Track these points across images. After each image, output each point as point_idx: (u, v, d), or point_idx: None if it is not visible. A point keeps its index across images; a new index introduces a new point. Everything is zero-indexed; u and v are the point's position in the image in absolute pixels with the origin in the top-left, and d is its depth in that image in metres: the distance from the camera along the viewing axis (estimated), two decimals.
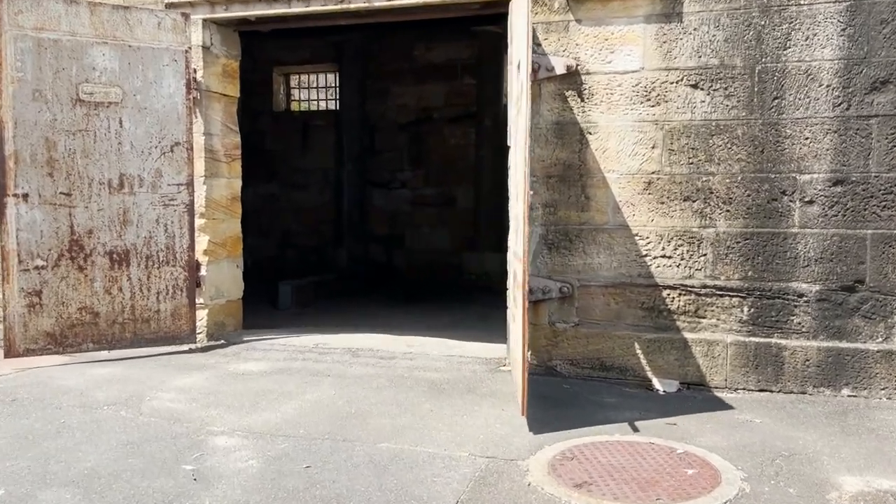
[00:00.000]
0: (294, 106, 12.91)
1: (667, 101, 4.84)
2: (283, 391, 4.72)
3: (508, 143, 5.13)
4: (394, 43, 11.75)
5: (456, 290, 10.11)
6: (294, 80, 12.93)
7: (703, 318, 4.85)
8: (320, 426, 4.03)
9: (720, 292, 4.81)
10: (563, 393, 4.69)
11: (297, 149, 12.29)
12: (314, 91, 12.89)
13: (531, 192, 4.36)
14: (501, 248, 11.22)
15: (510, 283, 4.91)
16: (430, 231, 11.92)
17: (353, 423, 4.09)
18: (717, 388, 4.82)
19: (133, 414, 4.25)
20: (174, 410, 4.32)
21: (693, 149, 4.80)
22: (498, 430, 3.96)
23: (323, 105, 12.73)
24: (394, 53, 11.85)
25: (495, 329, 6.91)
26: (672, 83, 4.82)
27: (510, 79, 5.20)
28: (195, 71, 5.78)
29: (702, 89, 4.78)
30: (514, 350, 4.56)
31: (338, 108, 12.20)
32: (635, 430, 4.00)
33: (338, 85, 12.26)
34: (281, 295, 8.40)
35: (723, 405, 4.49)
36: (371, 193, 12.21)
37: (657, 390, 4.81)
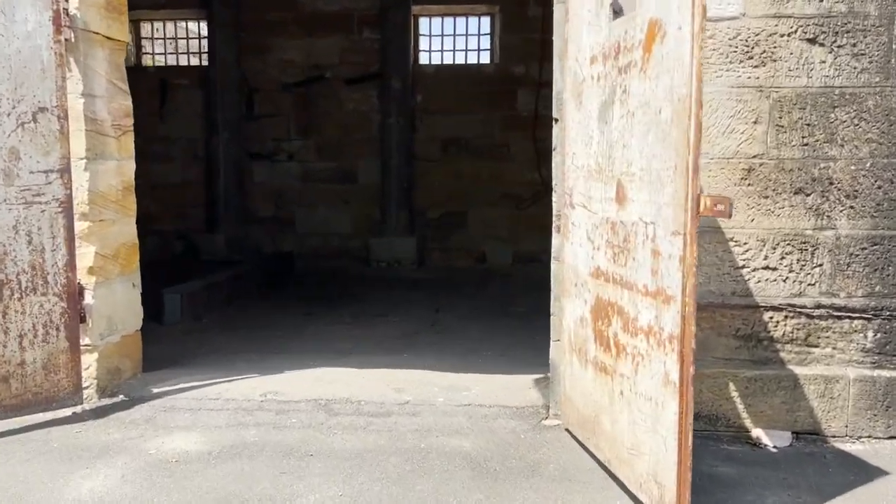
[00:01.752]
0: (147, 60, 10.55)
1: (775, 61, 3.59)
2: (260, 495, 3.06)
3: (555, 115, 3.68)
4: None
5: (370, 283, 8.53)
6: (146, 29, 10.55)
7: (816, 346, 3.72)
8: None
9: (839, 313, 3.70)
10: None
11: (153, 113, 10.00)
12: (174, 43, 10.59)
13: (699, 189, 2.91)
14: (413, 231, 9.76)
15: (614, 333, 3.32)
16: (327, 212, 10.19)
17: None
18: (835, 436, 3.72)
19: None
20: None
21: (808, 125, 3.61)
22: None
23: (186, 60, 10.48)
24: None
25: (468, 344, 5.53)
26: (783, 36, 3.58)
27: (572, 26, 3.73)
28: None
29: (822, 45, 3.58)
30: (664, 481, 3.06)
31: (206, 63, 10.04)
32: None
33: (206, 36, 10.08)
34: (167, 306, 6.45)
35: (873, 470, 3.39)
36: (251, 167, 10.25)
37: (765, 446, 3.64)
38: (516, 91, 9.78)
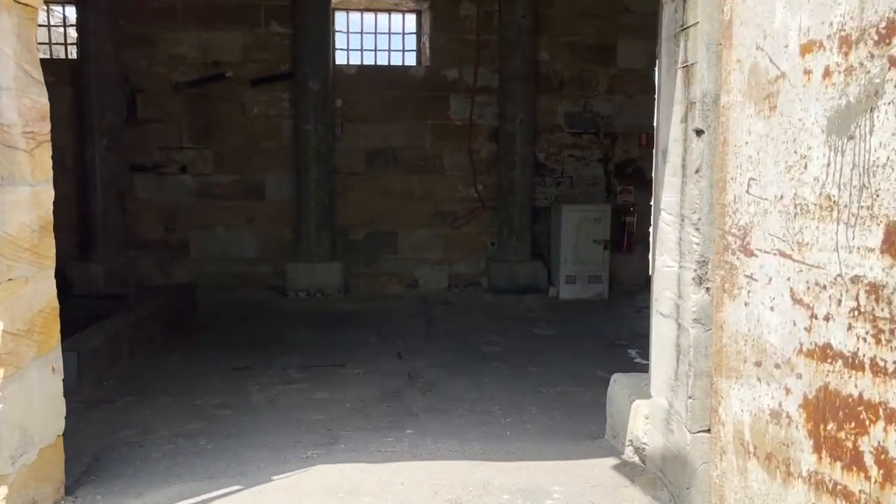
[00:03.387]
0: None
1: None
2: None
3: (698, 126, 2.71)
4: None
5: (297, 320, 7.20)
6: None
7: None
8: None
9: None
10: None
11: None
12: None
13: None
14: (336, 254, 8.52)
15: (876, 447, 2.21)
16: (229, 233, 8.72)
17: None
18: None
19: None
20: None
21: None
22: None
23: (51, 52, 8.63)
24: None
25: (469, 405, 4.49)
26: None
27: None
28: None
29: None
30: None
31: (78, 56, 8.28)
32: None
33: (77, 24, 8.30)
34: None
35: None
36: (134, 182, 8.58)
37: None
38: (448, 97, 8.78)
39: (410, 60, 9.03)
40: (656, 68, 3.13)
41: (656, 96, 3.13)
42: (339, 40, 8.79)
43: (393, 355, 5.91)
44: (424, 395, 4.86)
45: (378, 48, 9.02)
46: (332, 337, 6.54)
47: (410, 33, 9.03)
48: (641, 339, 6.49)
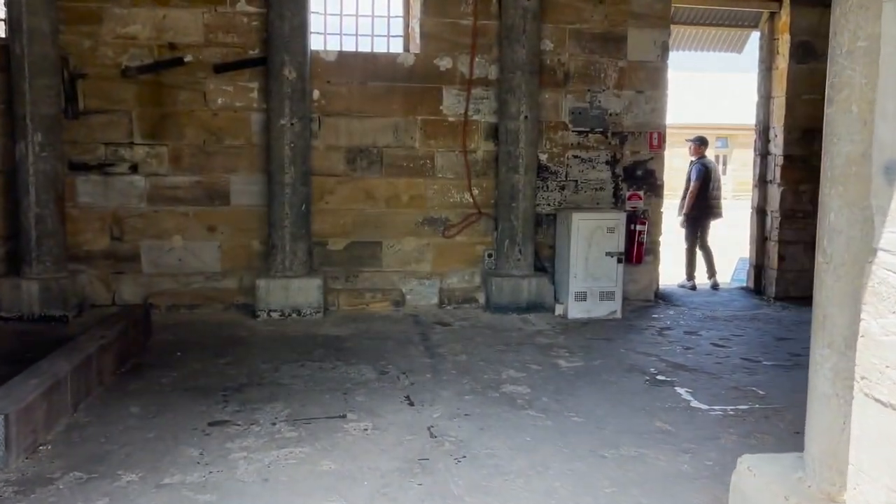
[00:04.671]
0: None
1: None
2: None
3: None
4: None
5: (274, 349, 6.11)
6: None
7: None
8: None
9: None
10: None
11: None
12: None
13: None
14: (312, 268, 7.46)
15: None
16: (187, 244, 7.55)
17: None
18: None
19: None
20: None
21: None
22: None
23: None
24: None
25: (523, 481, 3.51)
26: None
27: None
28: None
29: None
30: None
31: (6, 36, 7.00)
32: None
33: None
34: None
35: None
36: (76, 183, 7.35)
37: None
38: (441, 90, 7.76)
39: (397, 47, 7.98)
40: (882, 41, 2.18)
41: (881, 81, 2.18)
42: (315, 22, 7.68)
43: (400, 400, 4.89)
44: (459, 464, 3.86)
45: (360, 33, 7.95)
46: (320, 373, 5.47)
47: (397, 17, 7.97)
48: (683, 372, 5.63)
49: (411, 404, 4.82)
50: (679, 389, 5.19)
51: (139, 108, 7.34)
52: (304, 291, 7.21)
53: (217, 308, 7.43)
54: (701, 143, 9.31)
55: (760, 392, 5.17)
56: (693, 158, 9.24)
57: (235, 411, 4.64)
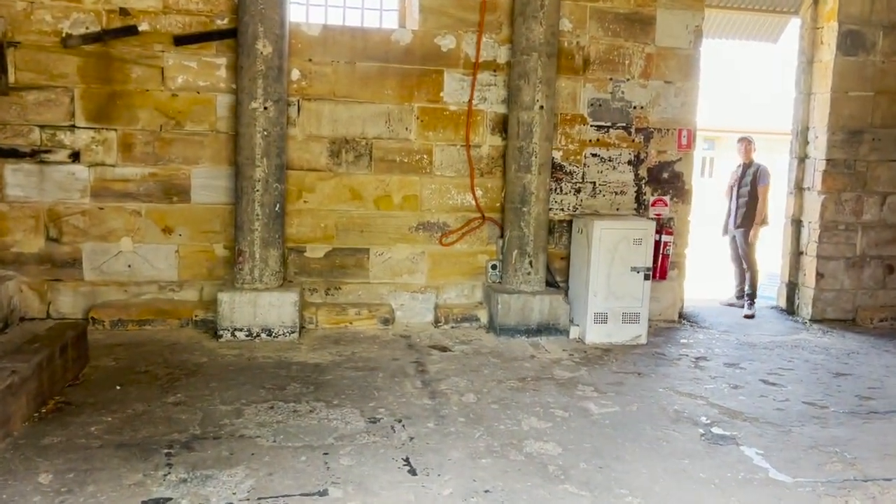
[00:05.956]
0: None
1: None
2: None
3: None
4: None
5: (237, 382, 4.98)
6: None
7: None
8: None
9: None
10: None
11: None
12: None
13: None
14: (286, 278, 6.32)
15: None
16: (137, 247, 6.38)
17: None
18: None
19: None
20: None
21: None
22: None
23: None
24: None
25: None
26: None
27: None
28: None
29: None
30: None
31: None
32: None
33: None
34: None
35: None
36: (4, 172, 6.15)
37: None
38: (442, 73, 6.66)
39: (391, 22, 6.86)
40: None
41: None
42: None
43: (398, 465, 3.80)
44: None
45: (348, 4, 6.82)
46: (294, 420, 4.36)
47: None
48: (742, 423, 4.57)
49: (413, 472, 3.72)
50: (746, 451, 4.14)
51: (83, 84, 6.15)
52: (276, 307, 6.07)
53: (172, 325, 6.26)
54: (751, 143, 8.05)
55: (848, 455, 4.14)
56: (744, 161, 7.96)
57: (181, 482, 3.51)
